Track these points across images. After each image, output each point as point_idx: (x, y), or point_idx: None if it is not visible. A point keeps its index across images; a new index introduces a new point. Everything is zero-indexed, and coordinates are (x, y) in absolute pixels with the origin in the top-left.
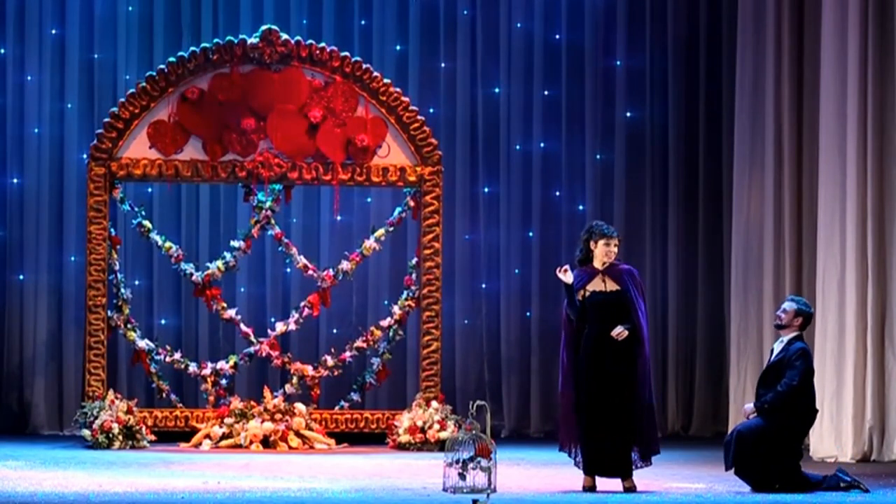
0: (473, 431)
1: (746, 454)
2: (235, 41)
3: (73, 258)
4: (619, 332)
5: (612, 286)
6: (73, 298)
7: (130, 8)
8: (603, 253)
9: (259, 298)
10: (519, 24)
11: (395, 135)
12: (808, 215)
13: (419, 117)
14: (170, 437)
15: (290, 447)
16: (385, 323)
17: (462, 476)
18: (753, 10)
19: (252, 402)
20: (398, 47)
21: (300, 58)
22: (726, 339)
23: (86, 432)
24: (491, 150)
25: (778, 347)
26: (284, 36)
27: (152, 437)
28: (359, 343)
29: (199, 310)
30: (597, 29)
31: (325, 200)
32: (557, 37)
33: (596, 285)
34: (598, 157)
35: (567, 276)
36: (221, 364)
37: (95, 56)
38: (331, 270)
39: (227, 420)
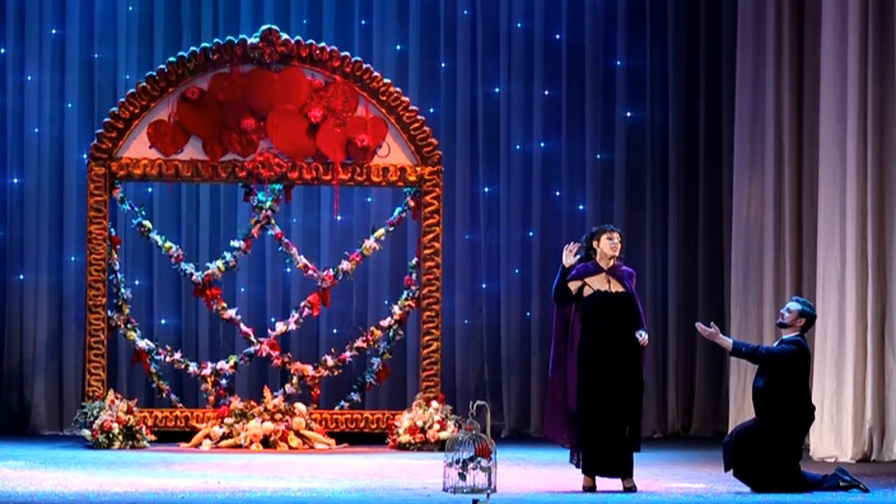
0: (473, 431)
1: (745, 455)
2: (235, 41)
3: (73, 258)
4: (644, 339)
5: (616, 287)
6: (73, 298)
7: (130, 8)
8: (608, 247)
9: (259, 298)
10: (519, 24)
11: (396, 135)
12: (808, 215)
13: (419, 117)
14: (170, 437)
15: (290, 447)
16: (385, 323)
17: (462, 476)
18: (753, 10)
19: (252, 402)
20: (398, 47)
21: (300, 58)
22: None
23: (86, 432)
24: (491, 150)
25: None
26: (284, 36)
27: (152, 437)
28: (359, 343)
29: (199, 310)
30: (597, 29)
31: (325, 200)
32: (557, 37)
33: (601, 285)
34: (598, 157)
35: (569, 259)
36: (221, 364)
37: (95, 56)
38: (331, 270)
39: (227, 420)
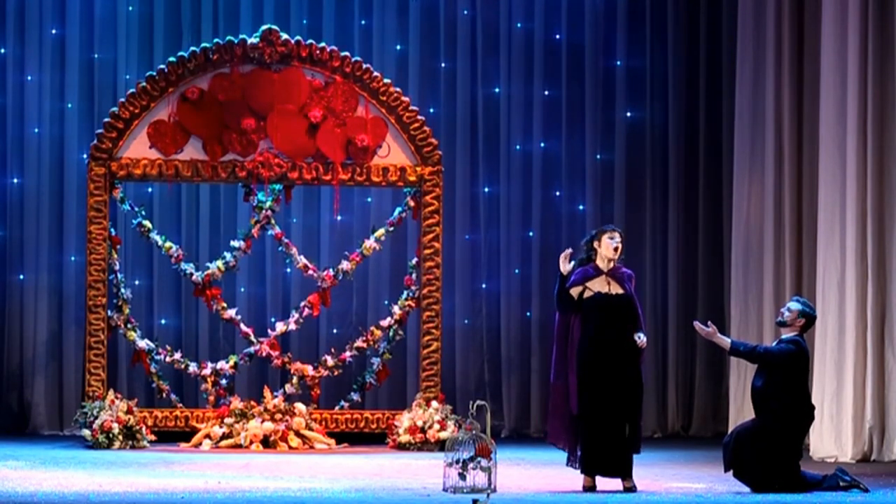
0: (473, 431)
1: (745, 455)
2: (235, 41)
3: (73, 258)
4: (642, 341)
5: (616, 289)
6: (73, 298)
7: (130, 8)
8: (609, 247)
9: (259, 298)
10: (519, 24)
11: (396, 135)
12: (808, 215)
13: (419, 117)
14: (170, 437)
15: (290, 447)
16: (385, 323)
17: (462, 476)
18: (753, 10)
19: (252, 402)
20: (398, 47)
21: (300, 58)
22: None
23: (86, 432)
24: (491, 150)
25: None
26: (284, 36)
27: (152, 437)
28: (359, 343)
29: (199, 310)
30: (597, 29)
31: (325, 200)
32: (557, 37)
33: (600, 286)
34: (598, 157)
35: (566, 266)
36: (221, 364)
37: (95, 56)
38: (331, 270)
39: (227, 420)
